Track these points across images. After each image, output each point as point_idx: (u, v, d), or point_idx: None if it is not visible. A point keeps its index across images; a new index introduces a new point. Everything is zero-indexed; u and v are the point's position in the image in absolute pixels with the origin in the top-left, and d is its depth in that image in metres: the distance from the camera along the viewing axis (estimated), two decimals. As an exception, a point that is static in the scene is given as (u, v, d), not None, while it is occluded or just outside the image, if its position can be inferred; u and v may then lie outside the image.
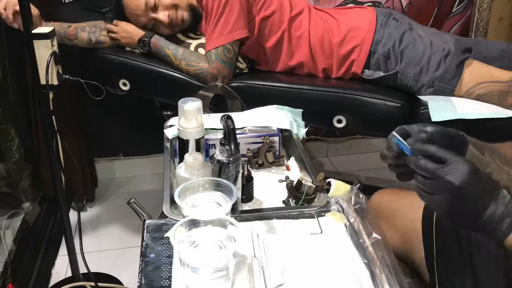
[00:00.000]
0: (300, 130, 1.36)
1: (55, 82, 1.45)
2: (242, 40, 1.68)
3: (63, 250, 1.91)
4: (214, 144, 1.21)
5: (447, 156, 0.78)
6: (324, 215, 0.98)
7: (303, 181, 1.03)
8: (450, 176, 0.76)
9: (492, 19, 2.24)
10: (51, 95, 1.47)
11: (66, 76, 1.49)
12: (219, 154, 1.01)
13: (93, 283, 1.69)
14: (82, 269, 1.71)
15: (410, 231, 1.11)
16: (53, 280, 1.86)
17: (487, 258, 1.00)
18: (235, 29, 1.61)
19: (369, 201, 1.29)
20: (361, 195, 0.93)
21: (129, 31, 1.70)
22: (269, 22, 1.68)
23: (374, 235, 0.86)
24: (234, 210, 1.01)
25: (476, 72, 1.57)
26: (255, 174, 1.20)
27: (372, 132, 2.01)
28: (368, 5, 2.08)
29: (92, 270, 1.63)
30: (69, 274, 1.81)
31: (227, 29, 1.61)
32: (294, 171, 1.23)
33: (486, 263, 0.99)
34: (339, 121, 1.63)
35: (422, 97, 1.60)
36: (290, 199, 1.07)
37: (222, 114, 1.03)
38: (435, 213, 1.10)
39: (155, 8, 1.67)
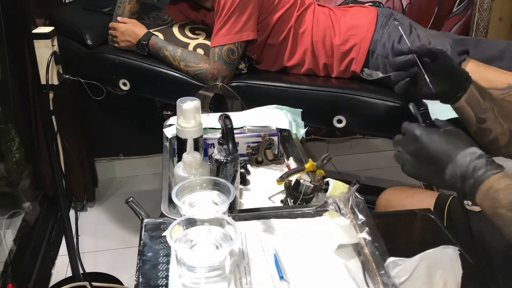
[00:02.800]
0: (299, 130, 1.36)
1: (56, 82, 1.45)
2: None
3: (63, 250, 1.91)
4: (213, 144, 1.21)
5: (405, 127, 0.89)
6: (321, 215, 0.98)
7: (301, 181, 1.03)
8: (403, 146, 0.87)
9: (492, 19, 2.24)
10: (51, 95, 1.47)
11: (67, 76, 1.50)
12: (217, 154, 1.01)
13: (93, 283, 1.69)
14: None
15: None
16: (53, 280, 1.87)
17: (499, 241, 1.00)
18: (243, 30, 1.61)
19: (378, 199, 1.30)
20: (358, 195, 0.93)
21: (126, 34, 1.70)
22: (280, 21, 1.68)
23: (367, 235, 0.87)
24: (232, 209, 1.01)
25: (472, 77, 1.56)
26: (253, 171, 1.21)
27: (372, 132, 2.01)
28: (368, 5, 2.08)
29: (92, 270, 1.63)
30: (69, 274, 1.82)
31: (235, 29, 1.60)
32: (293, 170, 1.23)
33: (498, 246, 1.00)
34: (339, 121, 1.63)
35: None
36: (288, 199, 1.07)
37: (220, 113, 1.03)
38: (446, 206, 1.11)
39: None
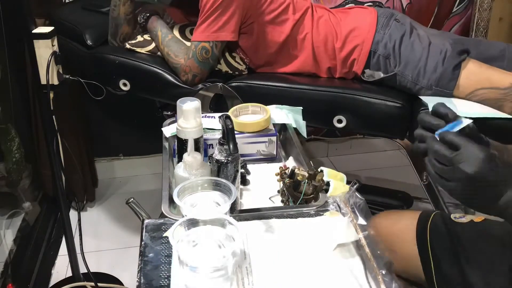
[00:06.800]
0: (301, 129, 1.36)
1: (56, 82, 1.45)
2: (241, 45, 1.67)
3: (63, 250, 1.91)
4: (213, 144, 1.21)
5: (461, 142, 0.76)
6: (322, 215, 0.98)
7: (295, 170, 1.02)
8: (462, 165, 0.75)
9: (492, 19, 2.24)
10: (51, 95, 1.47)
11: (67, 76, 1.50)
12: (217, 154, 1.01)
13: (93, 283, 1.69)
14: (82, 269, 1.71)
15: (410, 252, 1.10)
16: (53, 280, 1.87)
17: (487, 257, 1.00)
18: (221, 30, 1.59)
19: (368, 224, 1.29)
20: (359, 195, 0.93)
21: None
22: (271, 27, 1.67)
23: (369, 231, 0.87)
24: (233, 209, 1.01)
25: (474, 77, 1.55)
26: (253, 171, 1.21)
27: (372, 132, 2.01)
28: (368, 5, 2.08)
29: (92, 270, 1.63)
30: (69, 274, 1.82)
31: (213, 28, 1.58)
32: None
33: (487, 262, 0.99)
34: (339, 121, 1.63)
35: (423, 97, 1.60)
36: (289, 199, 1.07)
37: (220, 114, 1.04)
38: (428, 226, 1.10)
39: None
